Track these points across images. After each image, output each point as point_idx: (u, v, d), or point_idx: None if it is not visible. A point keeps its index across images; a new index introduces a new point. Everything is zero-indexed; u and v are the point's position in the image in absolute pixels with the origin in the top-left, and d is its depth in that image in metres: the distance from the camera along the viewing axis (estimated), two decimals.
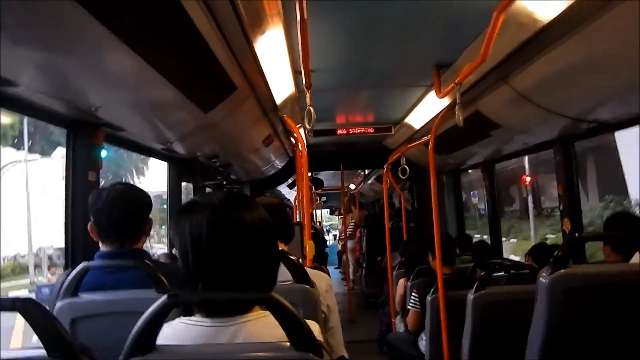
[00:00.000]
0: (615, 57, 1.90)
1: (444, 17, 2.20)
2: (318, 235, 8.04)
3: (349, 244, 8.15)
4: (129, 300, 1.42)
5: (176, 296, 0.87)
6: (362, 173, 9.23)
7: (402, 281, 3.83)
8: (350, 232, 8.49)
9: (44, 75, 1.76)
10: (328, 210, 18.72)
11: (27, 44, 1.46)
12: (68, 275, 1.50)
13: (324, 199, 13.00)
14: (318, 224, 12.72)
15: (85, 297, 1.46)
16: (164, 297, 0.86)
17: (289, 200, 10.34)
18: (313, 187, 8.28)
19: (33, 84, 1.79)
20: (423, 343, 3.14)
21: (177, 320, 0.98)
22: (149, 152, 3.32)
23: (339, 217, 15.89)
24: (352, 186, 10.44)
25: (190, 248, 0.95)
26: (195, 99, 2.45)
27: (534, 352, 1.79)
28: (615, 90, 2.25)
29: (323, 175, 9.16)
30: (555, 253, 1.78)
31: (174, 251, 2.94)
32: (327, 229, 17.82)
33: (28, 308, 0.86)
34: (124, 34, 1.58)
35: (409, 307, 3.32)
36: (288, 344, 0.86)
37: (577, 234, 3.26)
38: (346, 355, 1.97)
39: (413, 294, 3.26)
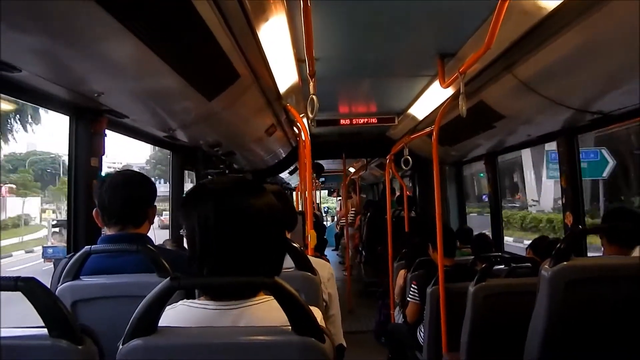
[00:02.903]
0: (621, 46, 1.88)
1: (448, 5, 2.17)
2: (319, 222, 8.04)
3: (349, 230, 8.14)
4: (130, 284, 1.43)
5: (178, 279, 0.87)
6: (364, 160, 9.18)
7: (402, 272, 3.84)
8: (350, 220, 8.48)
9: (47, 61, 1.76)
10: (326, 191, 18.52)
11: (30, 30, 1.46)
12: (70, 259, 1.51)
13: (323, 179, 12.95)
14: (317, 205, 12.65)
15: (86, 280, 1.47)
16: (166, 280, 0.87)
17: (288, 184, 10.29)
18: (314, 174, 8.25)
19: (36, 69, 1.78)
20: (422, 334, 3.15)
21: (181, 302, 0.99)
22: (152, 139, 3.32)
23: (337, 198, 15.76)
24: (352, 169, 10.38)
25: (197, 232, 0.95)
26: (199, 87, 2.44)
27: (535, 343, 1.79)
28: (620, 81, 2.23)
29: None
30: (558, 246, 1.78)
31: (182, 231, 2.94)
32: (325, 210, 17.63)
33: (30, 288, 0.86)
34: (127, 20, 1.58)
35: (409, 299, 3.32)
36: (290, 328, 0.87)
37: (579, 227, 3.25)
38: (344, 344, 1.98)
39: (412, 285, 3.27)
